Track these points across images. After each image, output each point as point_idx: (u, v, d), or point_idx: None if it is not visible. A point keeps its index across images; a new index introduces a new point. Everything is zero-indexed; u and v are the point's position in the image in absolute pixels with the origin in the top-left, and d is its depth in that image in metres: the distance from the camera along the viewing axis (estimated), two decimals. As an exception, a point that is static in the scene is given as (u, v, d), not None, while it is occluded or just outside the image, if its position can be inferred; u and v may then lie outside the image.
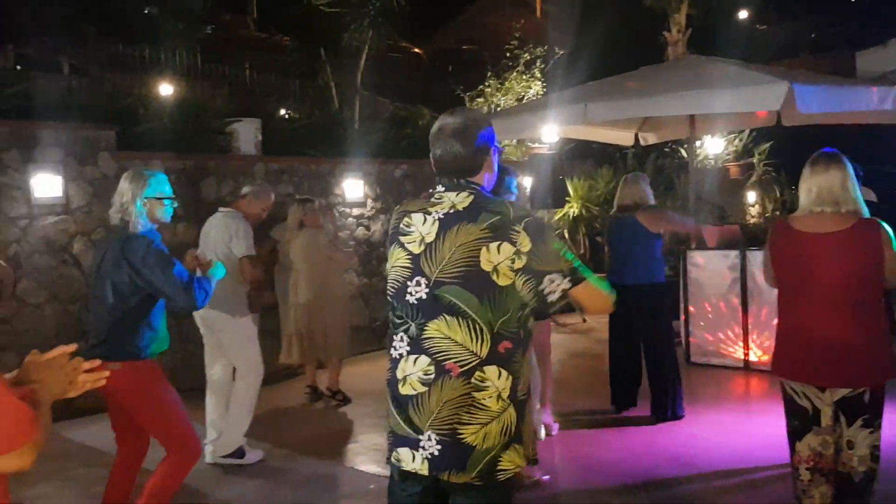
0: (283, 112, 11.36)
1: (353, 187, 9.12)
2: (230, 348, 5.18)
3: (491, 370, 2.21)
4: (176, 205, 3.84)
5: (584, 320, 10.15)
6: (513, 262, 2.19)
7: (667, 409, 5.76)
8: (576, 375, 7.22)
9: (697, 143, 11.05)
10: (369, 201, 9.30)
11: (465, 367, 2.20)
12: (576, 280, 2.24)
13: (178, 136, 7.80)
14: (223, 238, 5.09)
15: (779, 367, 3.38)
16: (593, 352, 8.23)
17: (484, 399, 2.20)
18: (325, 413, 6.49)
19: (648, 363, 5.90)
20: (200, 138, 8.16)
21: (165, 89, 11.82)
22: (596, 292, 2.30)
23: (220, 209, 5.39)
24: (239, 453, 5.12)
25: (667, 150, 11.84)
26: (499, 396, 2.21)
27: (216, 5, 16.40)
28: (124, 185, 3.69)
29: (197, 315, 5.17)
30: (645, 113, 7.31)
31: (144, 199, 3.64)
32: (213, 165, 8.02)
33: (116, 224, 3.68)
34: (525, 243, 2.20)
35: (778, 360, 3.39)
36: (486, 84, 11.94)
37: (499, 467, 2.23)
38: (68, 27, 13.95)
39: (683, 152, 11.34)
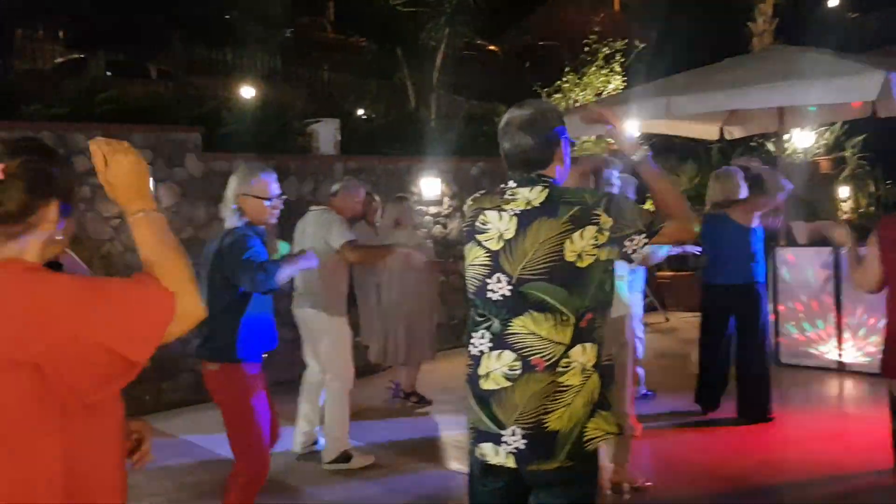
0: (360, 112, 11.48)
1: (429, 185, 9.14)
2: (321, 348, 5.11)
3: (575, 351, 2.20)
4: (281, 205, 3.71)
5: (667, 319, 9.92)
6: (596, 240, 2.20)
7: (756, 410, 5.56)
8: (659, 375, 7.04)
9: (786, 137, 10.65)
10: (446, 199, 9.30)
11: (551, 361, 2.19)
12: (652, 233, 2.27)
13: (260, 137, 7.98)
14: (320, 235, 5.01)
15: (888, 368, 3.19)
16: (676, 352, 8.02)
17: (568, 379, 2.19)
18: (405, 411, 6.51)
19: (741, 364, 5.68)
20: (281, 139, 8.34)
21: (247, 92, 12.13)
22: (673, 231, 2.33)
23: (312, 208, 5.37)
24: (343, 458, 5.03)
25: (753, 144, 11.45)
26: (583, 369, 2.21)
27: (294, 9, 16.74)
28: (230, 180, 3.63)
29: (295, 311, 5.19)
30: (731, 106, 7.06)
31: (241, 197, 3.57)
32: (294, 165, 8.15)
33: (223, 219, 3.65)
34: (607, 221, 2.20)
35: (888, 361, 3.20)
36: (564, 80, 11.78)
37: (585, 437, 2.21)
38: (156, 34, 14.47)
39: (771, 146, 10.94)
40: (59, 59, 16.25)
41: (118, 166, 1.62)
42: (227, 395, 3.49)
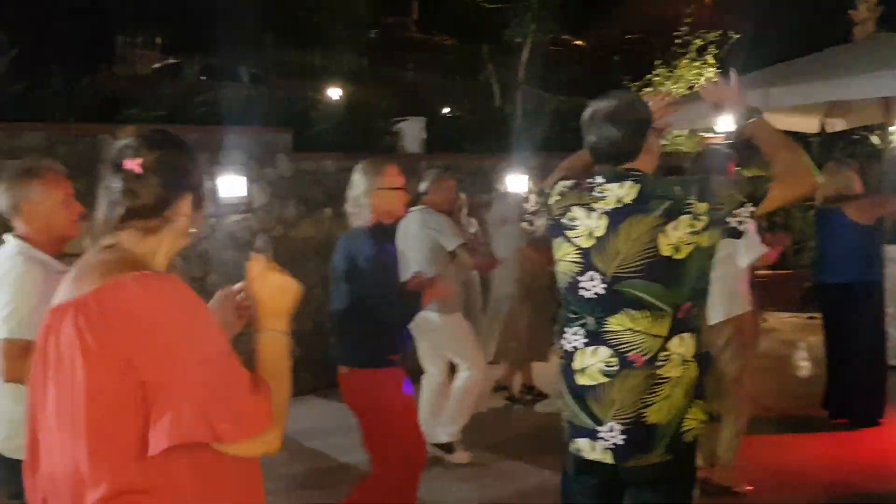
0: (445, 110, 11.51)
1: (515, 183, 9.07)
2: (448, 347, 5.00)
3: (673, 342, 2.15)
4: (407, 195, 3.59)
5: (765, 319, 9.57)
6: (692, 227, 2.13)
7: (866, 414, 5.28)
8: (757, 377, 6.79)
9: (891, 129, 10.12)
10: (533, 197, 9.20)
11: (650, 355, 2.14)
12: (757, 199, 2.17)
13: (347, 137, 8.09)
14: (426, 236, 4.91)
15: None
16: (776, 353, 7.70)
17: (667, 372, 2.15)
18: (497, 408, 6.36)
19: (856, 364, 5.41)
20: (368, 138, 8.43)
21: (335, 92, 12.34)
22: (786, 189, 2.21)
23: (412, 208, 5.14)
24: (447, 448, 4.98)
25: (856, 137, 10.92)
26: (682, 360, 2.16)
27: (379, 9, 16.94)
28: (356, 177, 3.44)
29: None
30: (832, 96, 6.73)
31: (376, 192, 3.38)
32: (381, 164, 8.22)
33: (352, 220, 3.48)
34: (701, 208, 2.13)
35: None
36: (654, 73, 11.49)
37: (682, 429, 2.18)
38: (247, 39, 14.86)
39: (875, 139, 10.41)
40: (156, 65, 16.93)
41: (268, 284, 1.62)
42: (359, 399, 3.35)
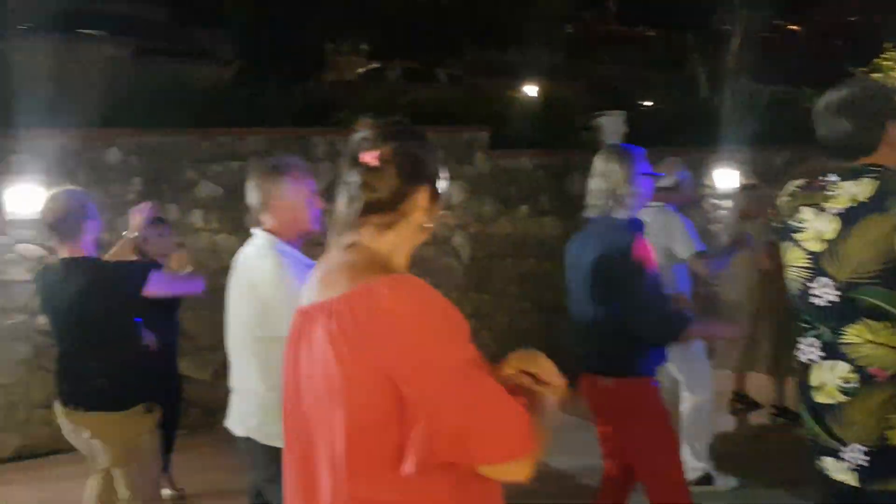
0: (648, 103, 11.15)
1: (725, 178, 8.58)
2: (676, 364, 4.46)
3: None
4: (657, 182, 3.32)
5: None
6: None
7: None
8: None
9: None
10: (748, 196, 8.66)
11: (894, 370, 1.95)
12: None
13: (546, 133, 8.05)
14: (660, 239, 4.17)
15: None
16: None
17: None
18: (742, 424, 5.95)
19: None
20: (566, 134, 8.34)
21: (531, 90, 12.35)
22: None
23: (652, 204, 4.27)
24: (705, 480, 4.56)
25: None
26: None
27: (576, 4, 16.77)
28: (611, 166, 3.03)
29: None
30: None
31: (636, 178, 3.02)
32: (578, 160, 8.08)
33: (598, 213, 3.08)
34: None
35: None
36: (883, 56, 10.45)
37: None
38: (444, 41, 15.25)
39: None
40: (361, 70, 17.79)
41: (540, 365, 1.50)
42: (629, 412, 3.02)
